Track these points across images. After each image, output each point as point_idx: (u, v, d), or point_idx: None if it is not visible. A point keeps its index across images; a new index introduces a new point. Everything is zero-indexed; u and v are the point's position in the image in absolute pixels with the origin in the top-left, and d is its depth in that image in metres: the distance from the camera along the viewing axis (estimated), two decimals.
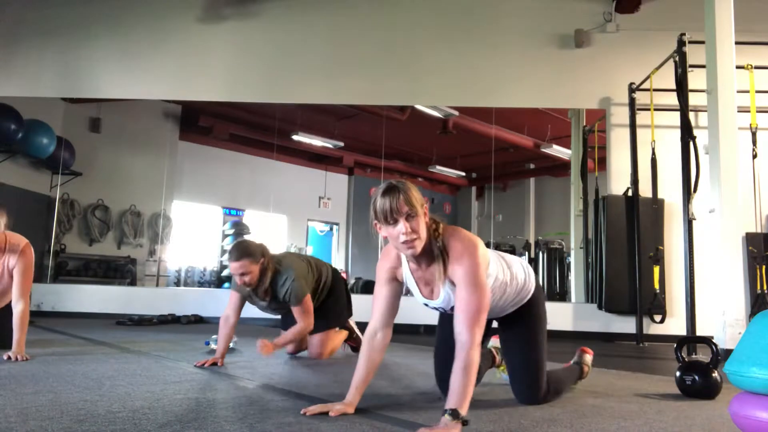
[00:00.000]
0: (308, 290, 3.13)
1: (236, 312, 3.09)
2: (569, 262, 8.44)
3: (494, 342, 2.56)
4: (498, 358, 2.52)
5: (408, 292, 1.96)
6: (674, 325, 5.40)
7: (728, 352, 1.87)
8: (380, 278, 1.94)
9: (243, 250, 2.95)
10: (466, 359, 1.60)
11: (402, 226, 1.69)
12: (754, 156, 4.88)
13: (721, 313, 4.07)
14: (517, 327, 2.09)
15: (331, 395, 2.10)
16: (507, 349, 2.16)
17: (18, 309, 2.90)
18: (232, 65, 6.83)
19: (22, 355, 2.79)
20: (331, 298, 3.40)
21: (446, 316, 2.01)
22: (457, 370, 1.59)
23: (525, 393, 2.05)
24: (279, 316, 3.48)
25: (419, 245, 1.72)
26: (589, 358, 2.54)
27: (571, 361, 2.55)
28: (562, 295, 9.38)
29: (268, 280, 3.04)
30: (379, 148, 9.74)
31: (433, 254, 1.79)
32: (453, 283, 1.77)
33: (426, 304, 1.95)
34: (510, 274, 2.00)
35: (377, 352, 1.89)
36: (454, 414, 1.51)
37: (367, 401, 2.01)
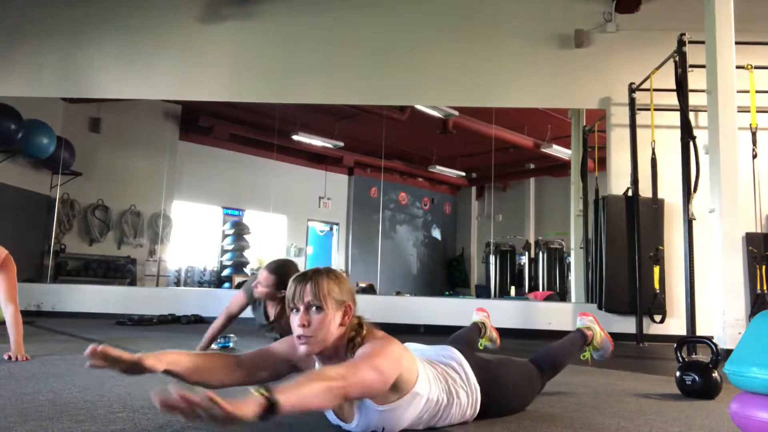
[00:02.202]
0: None
1: (240, 309, 3.11)
2: (569, 262, 8.45)
3: (477, 316, 2.78)
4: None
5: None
6: (674, 325, 5.40)
7: (728, 352, 1.87)
8: (279, 346, 1.66)
9: (279, 268, 2.96)
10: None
11: (300, 316, 1.46)
12: (754, 156, 4.88)
13: (721, 313, 4.07)
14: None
15: None
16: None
17: (9, 312, 2.90)
18: (232, 65, 6.83)
19: (22, 355, 2.79)
20: None
21: None
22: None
23: None
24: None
25: (314, 346, 1.46)
26: (587, 320, 2.48)
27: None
28: (562, 295, 9.38)
29: (280, 309, 3.02)
30: (379, 148, 9.74)
31: None
32: (373, 401, 1.47)
33: (339, 426, 1.61)
34: (452, 397, 1.65)
35: (230, 366, 1.59)
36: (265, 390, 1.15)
37: None
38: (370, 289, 8.84)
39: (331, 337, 1.48)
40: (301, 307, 1.47)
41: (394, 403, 1.50)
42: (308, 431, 1.61)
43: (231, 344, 3.53)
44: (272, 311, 3.07)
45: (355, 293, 1.56)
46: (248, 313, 3.23)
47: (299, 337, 1.47)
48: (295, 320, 1.48)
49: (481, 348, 2.77)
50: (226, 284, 9.11)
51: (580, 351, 2.42)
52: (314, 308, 1.46)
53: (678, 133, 4.64)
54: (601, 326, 2.49)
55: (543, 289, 9.71)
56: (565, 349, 2.26)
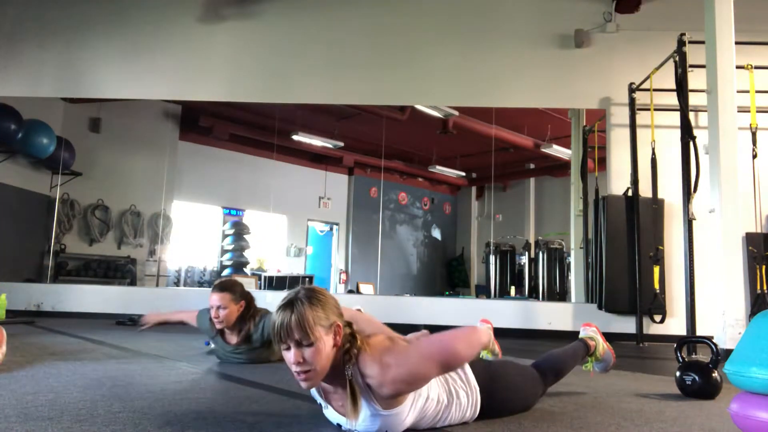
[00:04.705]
0: None
1: (191, 322, 3.13)
2: (569, 262, 8.45)
3: (585, 331, 2.55)
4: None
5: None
6: (674, 325, 5.40)
7: (728, 352, 1.87)
8: None
9: (227, 284, 2.94)
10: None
11: (293, 354, 1.42)
12: (754, 156, 4.88)
13: (721, 313, 4.07)
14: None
15: None
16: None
17: None
18: (232, 65, 6.82)
19: None
20: None
21: None
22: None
23: None
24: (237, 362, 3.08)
25: (315, 378, 1.45)
26: (591, 330, 2.47)
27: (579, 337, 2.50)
28: (562, 295, 9.39)
29: (249, 326, 2.95)
30: (379, 148, 9.75)
31: (345, 378, 1.49)
32: (377, 406, 1.48)
33: (339, 425, 1.60)
34: (452, 398, 1.67)
35: None
36: None
37: None
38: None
39: (329, 362, 1.45)
40: (292, 345, 1.43)
41: (399, 407, 1.50)
42: (307, 429, 1.61)
43: (211, 344, 3.47)
44: (234, 338, 2.98)
45: (339, 305, 1.53)
46: None
47: (297, 373, 1.44)
48: (288, 357, 1.44)
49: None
50: None
51: (582, 361, 2.42)
52: (304, 343, 1.42)
53: (678, 133, 4.65)
54: (604, 338, 2.48)
55: (543, 290, 9.72)
56: (568, 357, 2.25)
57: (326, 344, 1.44)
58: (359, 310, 2.65)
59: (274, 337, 1.46)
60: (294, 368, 1.44)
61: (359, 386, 1.47)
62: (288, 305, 1.44)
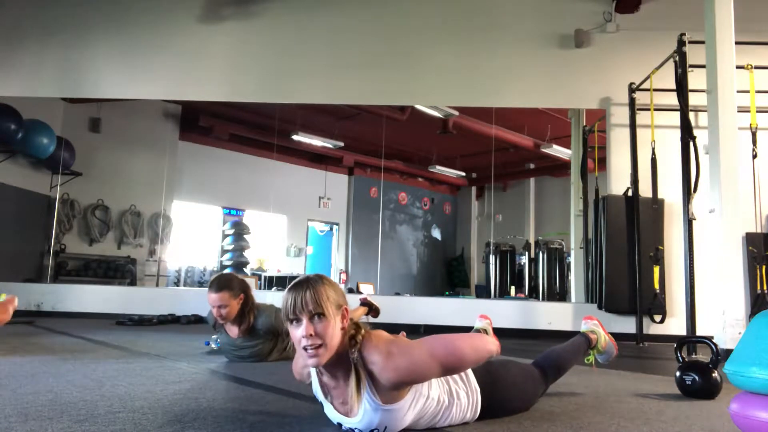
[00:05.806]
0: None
1: None
2: (569, 262, 8.45)
3: (480, 323, 2.72)
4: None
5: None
6: (674, 325, 5.40)
7: (728, 352, 1.87)
8: None
9: (223, 282, 2.93)
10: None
11: (304, 327, 1.43)
12: (754, 156, 4.88)
13: (721, 313, 4.07)
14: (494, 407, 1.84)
15: None
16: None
17: None
18: (232, 65, 6.83)
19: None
20: None
21: None
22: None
23: None
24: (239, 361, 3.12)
25: (324, 355, 1.44)
26: (592, 323, 2.45)
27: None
28: (562, 295, 9.40)
29: (250, 318, 2.99)
30: (379, 148, 9.75)
31: (348, 367, 1.50)
32: (378, 399, 1.49)
33: (340, 424, 1.60)
34: (452, 398, 1.68)
35: None
36: None
37: None
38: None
39: (336, 343, 1.46)
40: (304, 318, 1.43)
41: (400, 402, 1.51)
42: (308, 429, 1.61)
43: (213, 344, 3.49)
44: (236, 330, 3.02)
45: (344, 295, 1.57)
46: None
47: (306, 348, 1.43)
48: (297, 332, 1.44)
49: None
50: None
51: (584, 355, 2.40)
52: (317, 316, 1.43)
53: (678, 133, 4.65)
54: (606, 330, 2.47)
55: (543, 289, 9.72)
56: (569, 353, 2.25)
57: (336, 323, 1.46)
58: (365, 297, 2.65)
59: (284, 314, 1.47)
60: (304, 342, 1.43)
61: (362, 372, 1.48)
62: (301, 283, 1.47)
